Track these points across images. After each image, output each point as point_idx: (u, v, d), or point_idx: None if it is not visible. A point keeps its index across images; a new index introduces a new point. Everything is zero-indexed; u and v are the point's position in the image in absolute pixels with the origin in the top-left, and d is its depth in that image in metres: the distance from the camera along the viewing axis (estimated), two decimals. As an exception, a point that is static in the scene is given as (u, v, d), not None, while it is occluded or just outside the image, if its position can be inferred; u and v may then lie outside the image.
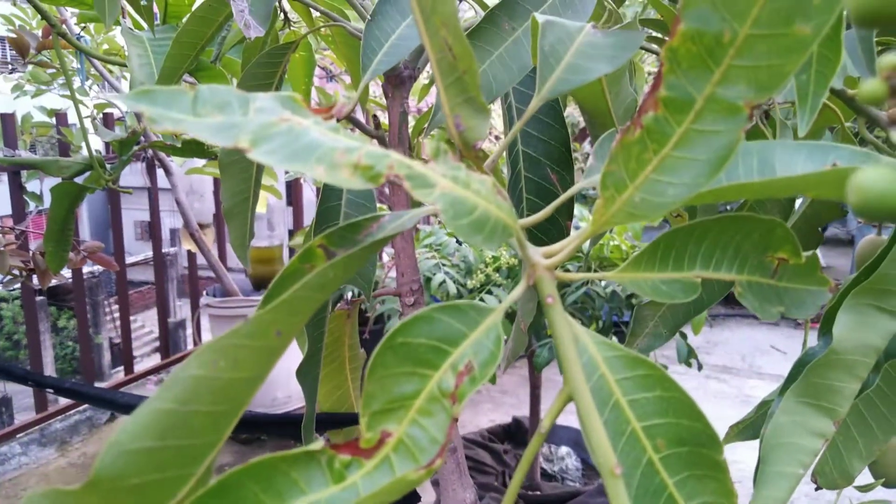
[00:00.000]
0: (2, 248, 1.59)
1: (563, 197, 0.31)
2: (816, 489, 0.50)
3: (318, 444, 0.22)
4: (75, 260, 1.76)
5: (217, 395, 0.22)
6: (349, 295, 1.52)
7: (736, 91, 0.23)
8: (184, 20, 1.29)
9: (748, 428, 0.51)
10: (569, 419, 3.01)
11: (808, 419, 0.38)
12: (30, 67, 2.41)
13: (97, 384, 3.09)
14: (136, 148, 1.36)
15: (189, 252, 3.07)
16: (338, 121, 0.52)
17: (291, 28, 1.00)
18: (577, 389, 0.23)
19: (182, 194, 2.70)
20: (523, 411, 2.61)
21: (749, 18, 0.22)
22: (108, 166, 1.38)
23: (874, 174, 0.14)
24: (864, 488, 0.82)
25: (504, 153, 0.58)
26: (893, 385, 0.48)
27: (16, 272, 1.84)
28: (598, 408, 0.24)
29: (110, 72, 2.42)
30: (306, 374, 0.47)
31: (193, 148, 1.45)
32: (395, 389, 0.23)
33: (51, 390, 1.13)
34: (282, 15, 0.94)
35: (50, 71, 2.60)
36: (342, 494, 0.22)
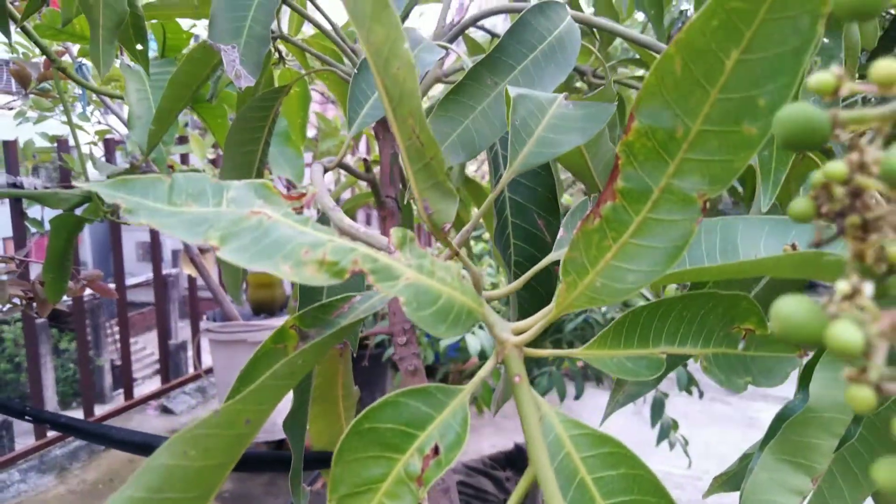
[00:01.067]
0: (2, 278, 1.60)
1: (536, 267, 0.32)
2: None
3: (287, 528, 0.23)
4: (74, 289, 1.77)
5: (188, 483, 0.22)
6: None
7: (690, 183, 0.23)
8: (183, 51, 1.31)
9: (731, 479, 0.51)
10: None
11: (786, 476, 0.39)
12: (31, 97, 2.44)
13: (98, 407, 3.08)
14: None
15: (189, 276, 3.08)
16: (330, 168, 0.53)
17: (286, 66, 1.01)
18: (542, 472, 0.24)
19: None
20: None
21: (701, 115, 0.23)
22: (107, 198, 1.40)
23: (792, 304, 0.14)
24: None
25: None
26: (877, 435, 0.49)
27: (16, 301, 1.85)
28: (564, 486, 0.25)
29: (111, 98, 2.44)
30: (292, 426, 0.48)
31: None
32: (362, 473, 0.23)
33: (47, 425, 1.13)
34: (276, 54, 0.96)
35: (51, 99, 2.63)
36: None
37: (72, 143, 2.64)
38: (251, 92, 0.83)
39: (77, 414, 3.00)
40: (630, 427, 2.89)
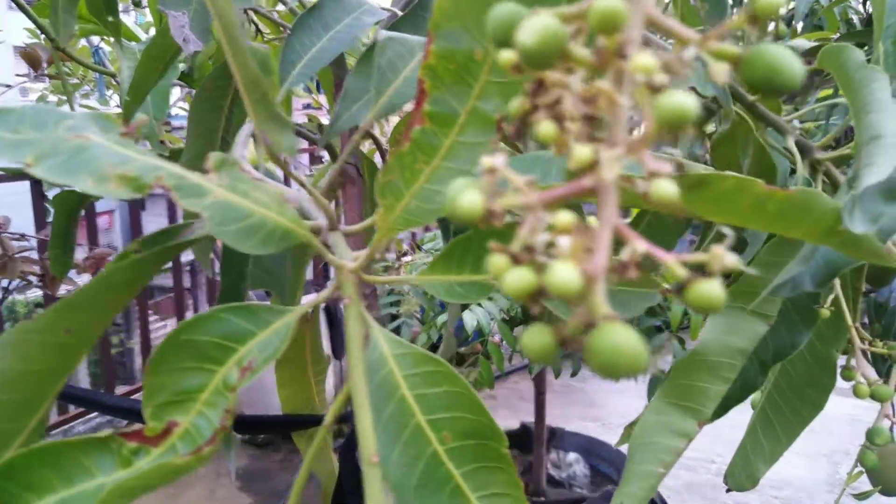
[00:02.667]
0: (12, 255, 1.66)
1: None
2: None
3: (107, 432, 0.24)
4: (84, 266, 1.82)
5: (10, 385, 0.24)
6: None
7: (492, 104, 0.24)
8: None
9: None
10: (578, 426, 2.99)
11: (674, 419, 0.39)
12: (46, 81, 2.50)
13: (122, 388, 3.17)
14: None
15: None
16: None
17: (264, 38, 1.03)
18: (355, 382, 0.25)
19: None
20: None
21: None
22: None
23: (458, 184, 0.15)
24: (862, 496, 0.81)
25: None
26: (792, 383, 0.49)
27: (32, 278, 1.91)
28: (384, 401, 0.26)
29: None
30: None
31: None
32: (181, 383, 0.25)
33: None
34: (253, 27, 0.98)
35: (72, 81, 2.69)
36: (128, 478, 0.24)
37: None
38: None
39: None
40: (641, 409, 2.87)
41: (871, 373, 0.45)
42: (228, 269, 0.50)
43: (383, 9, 0.60)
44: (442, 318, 1.67)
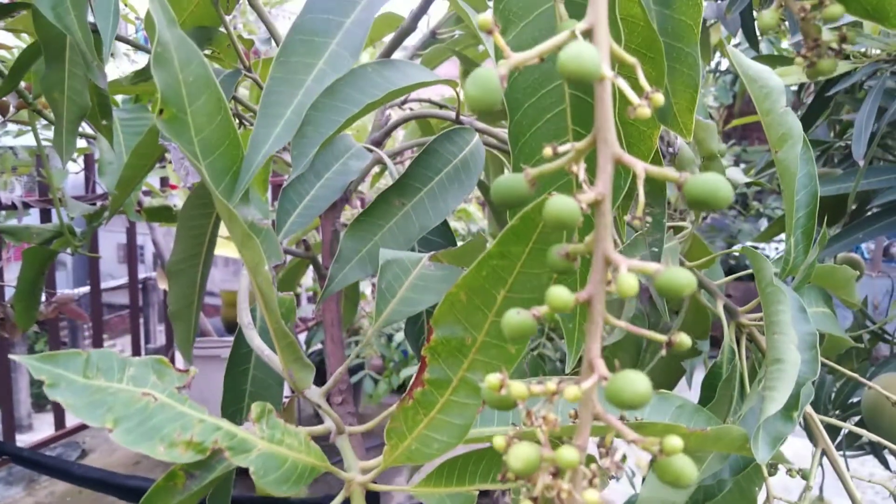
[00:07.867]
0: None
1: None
2: None
3: None
4: (46, 312, 1.83)
5: None
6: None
7: (478, 376, 0.31)
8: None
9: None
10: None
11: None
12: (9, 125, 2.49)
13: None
14: (105, 216, 1.44)
15: (165, 291, 3.12)
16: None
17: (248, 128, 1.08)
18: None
19: (159, 234, 2.77)
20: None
21: (483, 330, 0.30)
22: (77, 231, 1.46)
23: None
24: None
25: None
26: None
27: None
28: None
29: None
30: None
31: (163, 214, 1.55)
32: None
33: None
34: (238, 121, 1.03)
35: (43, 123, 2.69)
36: None
37: (54, 162, 2.69)
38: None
39: (48, 418, 3.02)
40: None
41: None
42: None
43: (366, 148, 0.67)
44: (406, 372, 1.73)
